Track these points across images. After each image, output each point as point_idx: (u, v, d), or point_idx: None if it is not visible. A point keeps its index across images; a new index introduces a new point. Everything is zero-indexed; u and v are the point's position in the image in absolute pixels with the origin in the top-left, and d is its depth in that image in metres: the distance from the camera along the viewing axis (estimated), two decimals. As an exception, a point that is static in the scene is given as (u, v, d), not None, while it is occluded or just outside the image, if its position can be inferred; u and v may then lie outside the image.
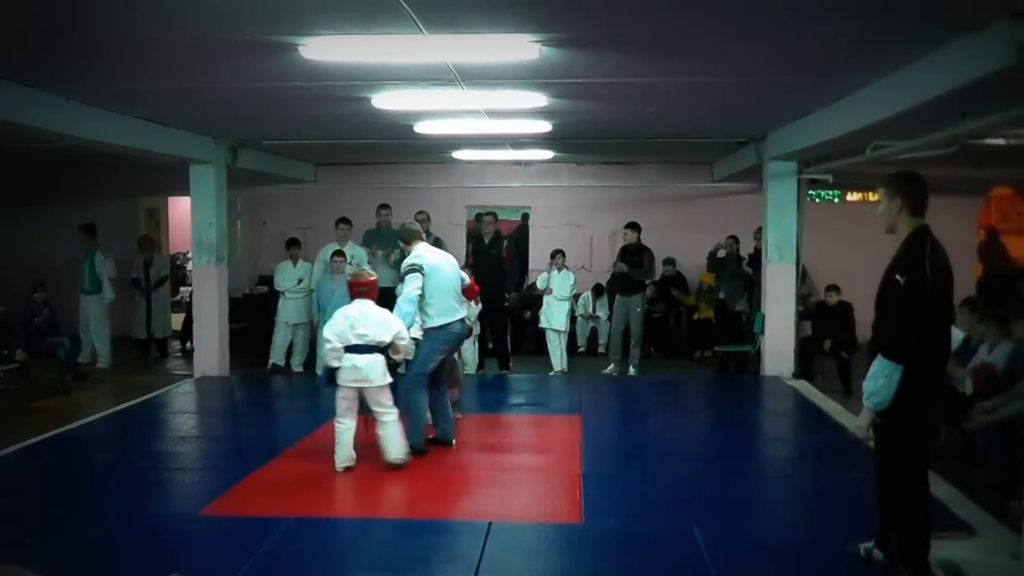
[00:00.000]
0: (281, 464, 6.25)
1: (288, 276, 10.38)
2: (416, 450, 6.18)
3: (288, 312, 10.27)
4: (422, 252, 6.37)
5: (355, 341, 5.75)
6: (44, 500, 5.57)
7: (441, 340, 6.33)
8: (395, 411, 5.93)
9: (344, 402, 5.86)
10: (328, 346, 5.80)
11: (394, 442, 5.90)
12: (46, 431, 7.21)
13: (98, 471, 6.16)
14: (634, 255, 10.07)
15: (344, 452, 5.91)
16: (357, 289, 5.95)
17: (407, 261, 6.32)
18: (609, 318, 10.88)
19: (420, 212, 10.42)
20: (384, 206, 10.88)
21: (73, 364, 9.65)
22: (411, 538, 4.79)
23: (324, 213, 12.61)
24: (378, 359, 5.79)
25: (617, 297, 10.28)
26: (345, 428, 5.90)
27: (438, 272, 6.28)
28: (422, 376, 6.26)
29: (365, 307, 5.88)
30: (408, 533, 4.85)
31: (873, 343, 3.84)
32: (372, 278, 6.07)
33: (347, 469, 5.88)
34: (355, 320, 5.79)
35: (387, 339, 5.80)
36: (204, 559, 4.51)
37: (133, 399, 8.62)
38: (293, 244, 10.71)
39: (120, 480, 5.89)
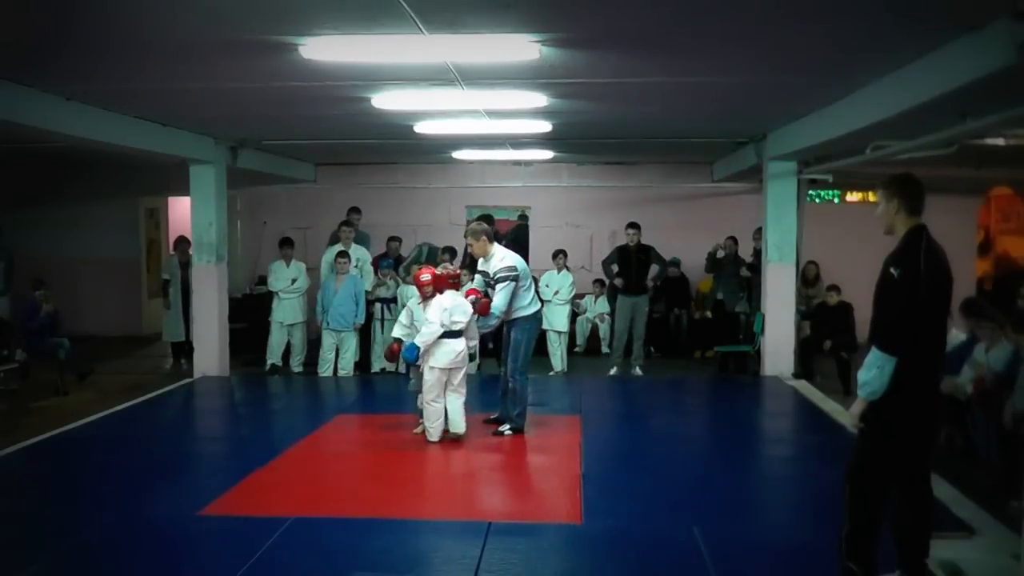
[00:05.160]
0: (281, 464, 6.25)
1: (282, 276, 10.26)
2: (520, 430, 6.94)
3: (283, 312, 10.18)
4: (503, 254, 6.93)
5: (452, 328, 6.52)
6: (44, 500, 5.57)
7: (535, 328, 7.09)
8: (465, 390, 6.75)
9: (438, 383, 6.56)
10: (431, 330, 6.45)
11: (462, 416, 6.70)
12: (46, 431, 7.20)
13: (98, 471, 6.16)
14: (639, 254, 10.09)
15: (440, 425, 6.63)
16: (449, 281, 6.71)
17: (499, 266, 6.79)
18: (611, 314, 10.91)
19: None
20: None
21: (73, 364, 9.63)
22: (411, 538, 4.78)
23: (324, 213, 12.65)
24: (465, 344, 6.66)
25: (621, 297, 10.25)
26: (441, 405, 6.62)
27: (526, 269, 7.04)
28: (528, 365, 7.04)
29: (457, 298, 6.64)
30: (408, 533, 4.84)
31: (870, 338, 3.85)
32: (459, 271, 7.05)
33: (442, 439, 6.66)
34: (451, 309, 6.54)
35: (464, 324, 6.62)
36: (204, 559, 4.51)
37: (133, 399, 8.61)
38: (286, 244, 10.58)
39: (120, 480, 5.88)
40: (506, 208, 13.33)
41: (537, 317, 7.10)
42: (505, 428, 6.92)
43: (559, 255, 10.73)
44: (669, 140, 10.04)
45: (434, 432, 6.62)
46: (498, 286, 6.77)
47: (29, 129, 6.85)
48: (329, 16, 4.53)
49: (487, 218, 10.70)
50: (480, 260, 7.04)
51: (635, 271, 10.09)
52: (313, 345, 10.33)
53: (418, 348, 6.48)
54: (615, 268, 10.22)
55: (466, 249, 11.08)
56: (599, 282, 11.65)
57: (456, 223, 13.03)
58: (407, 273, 10.09)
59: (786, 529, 5.09)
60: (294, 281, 10.26)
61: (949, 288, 3.82)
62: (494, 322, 6.92)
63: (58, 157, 11.04)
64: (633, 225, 10.16)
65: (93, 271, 13.21)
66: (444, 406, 6.64)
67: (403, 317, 7.02)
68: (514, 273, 6.81)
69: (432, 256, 10.51)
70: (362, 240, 10.74)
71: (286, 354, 10.31)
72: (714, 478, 5.96)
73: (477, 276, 7.17)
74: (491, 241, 6.99)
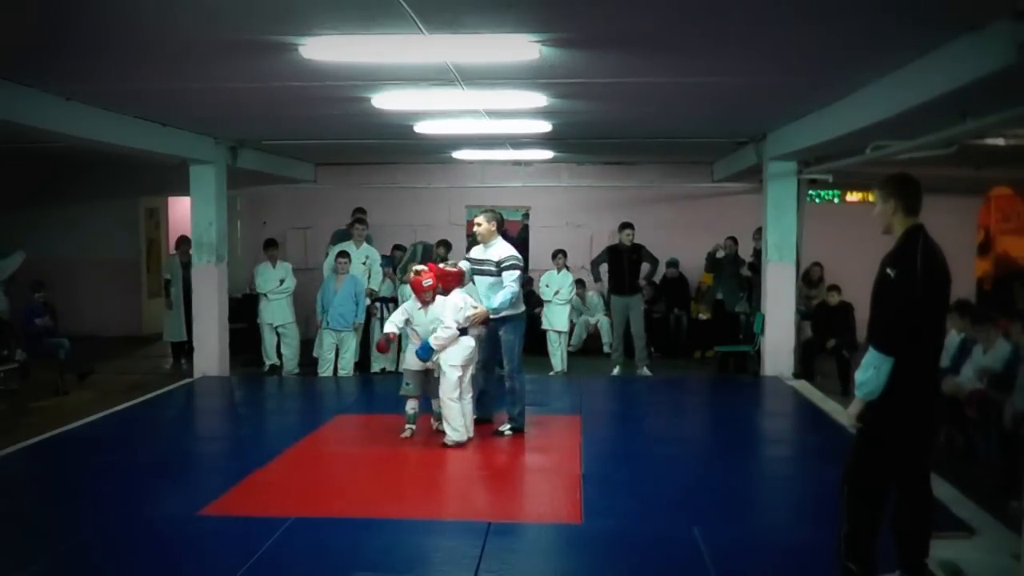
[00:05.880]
0: (281, 464, 6.25)
1: (269, 277, 10.20)
2: (520, 429, 6.95)
3: (271, 314, 10.14)
4: (508, 245, 6.90)
5: (464, 325, 6.54)
6: (44, 500, 5.58)
7: (523, 325, 7.07)
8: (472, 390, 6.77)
9: (459, 381, 6.52)
10: (448, 333, 6.43)
11: (471, 419, 6.73)
12: (46, 431, 7.20)
13: (98, 471, 6.15)
14: (632, 254, 10.09)
15: (465, 424, 6.59)
16: (459, 280, 6.76)
17: (506, 254, 6.74)
18: (607, 315, 10.90)
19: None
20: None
21: (74, 364, 9.64)
22: (411, 538, 4.78)
23: (324, 213, 12.66)
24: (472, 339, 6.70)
25: (614, 298, 10.27)
26: (460, 404, 6.55)
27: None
28: (521, 362, 7.02)
29: (465, 296, 6.69)
30: (408, 533, 4.84)
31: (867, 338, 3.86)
32: (462, 269, 6.91)
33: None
34: (464, 308, 6.57)
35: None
36: (204, 559, 4.51)
37: (133, 399, 8.61)
38: (271, 245, 10.56)
39: (120, 480, 5.88)
40: (506, 208, 13.31)
41: (524, 316, 7.08)
42: (506, 428, 6.92)
43: (559, 255, 10.72)
44: (669, 140, 10.03)
45: (462, 432, 6.53)
46: (505, 274, 6.70)
47: (29, 129, 6.85)
48: (329, 16, 4.53)
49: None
50: (479, 247, 6.99)
51: (628, 271, 10.09)
52: (305, 344, 10.34)
53: (432, 349, 6.45)
54: (604, 269, 10.22)
55: (468, 244, 11.11)
56: (580, 282, 11.41)
57: (456, 223, 13.04)
58: (403, 272, 10.09)
59: (786, 529, 5.09)
60: (282, 282, 10.22)
61: (947, 288, 3.81)
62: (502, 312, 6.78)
63: (58, 157, 11.04)
64: (627, 225, 10.15)
65: (93, 271, 13.21)
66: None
67: (397, 316, 6.86)
68: (520, 263, 6.84)
69: (428, 253, 10.51)
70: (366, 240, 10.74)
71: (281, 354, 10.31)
72: (714, 478, 5.96)
73: (463, 262, 7.04)
74: (499, 231, 6.97)
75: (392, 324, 6.88)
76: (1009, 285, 12.01)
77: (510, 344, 6.88)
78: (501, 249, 6.82)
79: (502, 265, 6.73)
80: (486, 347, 7.03)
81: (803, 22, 4.64)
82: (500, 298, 6.63)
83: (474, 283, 6.96)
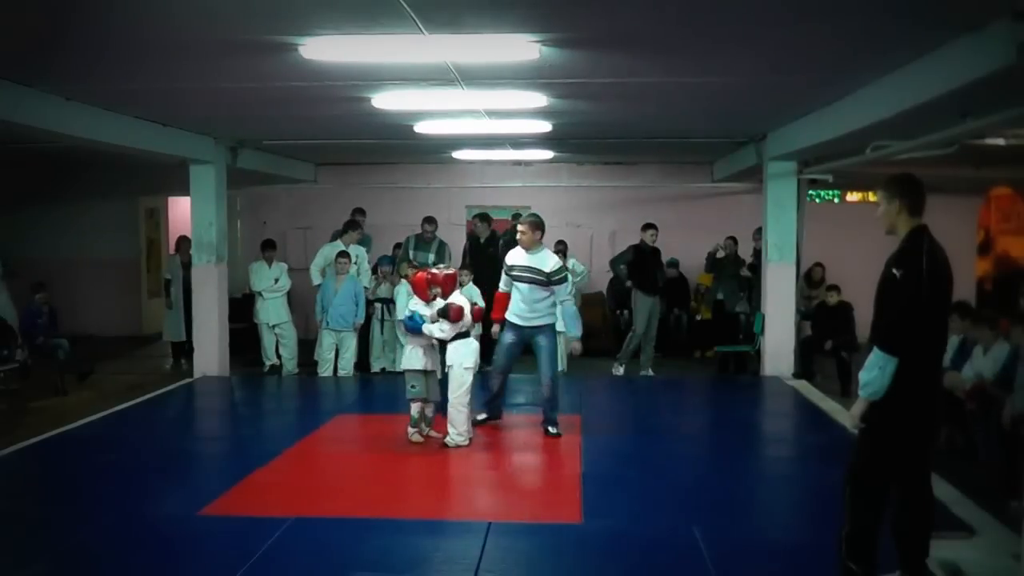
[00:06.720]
0: (281, 464, 6.26)
1: (264, 277, 10.19)
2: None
3: (267, 313, 10.13)
4: (550, 252, 6.99)
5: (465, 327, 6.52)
6: (44, 500, 5.58)
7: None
8: None
9: (471, 384, 6.53)
10: (441, 336, 6.38)
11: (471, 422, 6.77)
12: (46, 431, 7.20)
13: (98, 471, 6.16)
14: (652, 255, 10.10)
15: (470, 427, 6.66)
16: (459, 284, 6.88)
17: (557, 265, 6.79)
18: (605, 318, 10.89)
19: (429, 222, 10.42)
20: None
21: (74, 364, 9.64)
22: (411, 538, 4.78)
23: (324, 213, 12.65)
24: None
25: (643, 296, 10.05)
26: (468, 408, 6.62)
27: None
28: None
29: (462, 298, 6.62)
30: (408, 533, 4.84)
31: (871, 338, 3.86)
32: (456, 271, 6.97)
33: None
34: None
35: None
36: (204, 559, 4.52)
37: (133, 399, 8.61)
38: (268, 246, 10.55)
39: (120, 480, 5.88)
40: (504, 208, 13.32)
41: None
42: (554, 429, 6.92)
43: (559, 253, 10.67)
44: (669, 140, 10.03)
45: (465, 435, 6.52)
46: (558, 288, 6.72)
47: (29, 129, 6.85)
48: (329, 16, 4.53)
49: (484, 216, 10.73)
50: (517, 251, 6.89)
51: (652, 271, 10.10)
52: (305, 344, 10.34)
53: (420, 327, 6.34)
54: (624, 268, 10.21)
55: (465, 246, 11.10)
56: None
57: (456, 223, 13.03)
58: (399, 268, 10.06)
59: (786, 529, 5.09)
60: (276, 281, 10.21)
61: (950, 288, 3.82)
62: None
63: (58, 157, 11.04)
64: (651, 225, 10.12)
65: (93, 271, 13.21)
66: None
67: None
68: (567, 272, 6.98)
69: (421, 239, 10.50)
70: (363, 241, 10.73)
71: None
72: (714, 478, 5.97)
73: (504, 276, 6.97)
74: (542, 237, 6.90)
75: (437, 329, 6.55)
76: (1011, 285, 12.00)
77: (551, 350, 6.92)
78: (550, 259, 6.80)
79: (553, 278, 6.71)
80: (509, 353, 7.02)
81: (803, 22, 4.64)
82: (573, 319, 6.87)
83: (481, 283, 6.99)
